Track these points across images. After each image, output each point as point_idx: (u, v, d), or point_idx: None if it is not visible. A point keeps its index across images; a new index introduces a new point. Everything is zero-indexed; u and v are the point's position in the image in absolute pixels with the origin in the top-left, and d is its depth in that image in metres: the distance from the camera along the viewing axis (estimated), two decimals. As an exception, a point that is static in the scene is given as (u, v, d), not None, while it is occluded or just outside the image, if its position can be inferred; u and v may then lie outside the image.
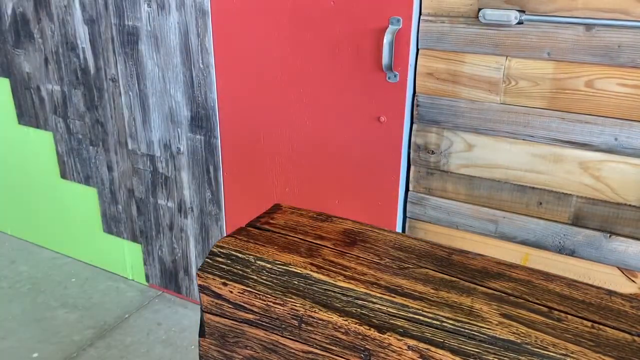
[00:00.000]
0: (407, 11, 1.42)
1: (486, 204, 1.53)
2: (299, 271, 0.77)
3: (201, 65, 1.87)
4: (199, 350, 0.87)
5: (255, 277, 0.78)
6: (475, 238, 1.57)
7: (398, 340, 0.68)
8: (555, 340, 0.65)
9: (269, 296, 0.76)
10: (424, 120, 1.53)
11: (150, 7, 1.90)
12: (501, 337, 0.66)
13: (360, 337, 0.70)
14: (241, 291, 0.77)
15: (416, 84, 1.50)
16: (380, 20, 1.45)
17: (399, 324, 0.69)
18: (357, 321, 0.70)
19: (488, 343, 0.66)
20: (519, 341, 0.65)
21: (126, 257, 2.53)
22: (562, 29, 1.31)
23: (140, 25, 1.96)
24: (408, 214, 1.66)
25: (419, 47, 1.47)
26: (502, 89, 1.42)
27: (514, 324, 0.68)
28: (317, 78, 1.60)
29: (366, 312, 0.71)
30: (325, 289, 0.75)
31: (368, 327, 0.69)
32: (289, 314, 0.75)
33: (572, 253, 1.46)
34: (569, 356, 0.63)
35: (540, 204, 1.46)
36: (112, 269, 2.60)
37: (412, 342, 0.67)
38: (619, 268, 1.42)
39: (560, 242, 1.47)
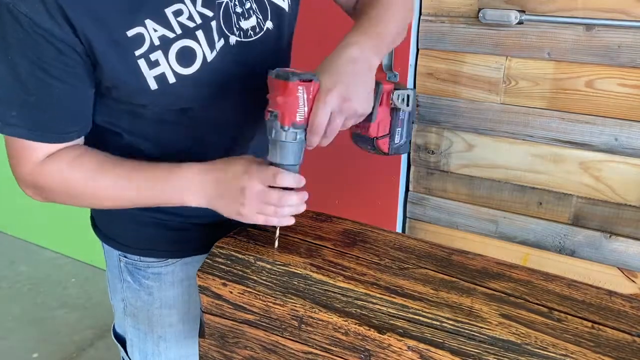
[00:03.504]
0: (407, 11, 1.42)
1: (486, 204, 1.53)
2: (298, 272, 0.77)
3: (201, 65, 1.87)
4: (199, 350, 0.87)
5: (255, 278, 0.78)
6: (475, 238, 1.57)
7: (398, 340, 0.68)
8: (555, 340, 0.65)
9: (269, 297, 0.76)
10: (424, 120, 1.52)
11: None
12: (501, 337, 0.66)
13: (360, 337, 0.70)
14: (241, 292, 0.77)
15: (416, 84, 1.50)
16: (380, 20, 1.45)
17: (398, 324, 0.69)
18: (357, 322, 0.70)
19: (488, 343, 0.66)
20: (519, 342, 0.65)
21: (126, 257, 2.53)
22: (562, 29, 1.31)
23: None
24: (408, 214, 1.66)
25: (419, 47, 1.47)
26: (502, 89, 1.42)
27: (514, 324, 0.68)
28: (317, 78, 1.60)
29: (366, 313, 0.71)
30: (325, 290, 0.75)
31: (368, 328, 0.69)
32: (288, 314, 0.75)
33: (572, 253, 1.46)
34: (568, 356, 0.63)
35: (540, 204, 1.46)
36: (112, 269, 2.60)
37: (412, 343, 0.67)
38: (619, 268, 1.42)
39: (560, 242, 1.47)
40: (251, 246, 0.82)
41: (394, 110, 0.85)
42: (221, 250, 0.82)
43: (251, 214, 0.77)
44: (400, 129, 0.87)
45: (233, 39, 0.82)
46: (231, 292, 0.78)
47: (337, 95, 0.73)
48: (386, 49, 0.83)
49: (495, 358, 0.64)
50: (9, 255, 2.76)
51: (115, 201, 0.83)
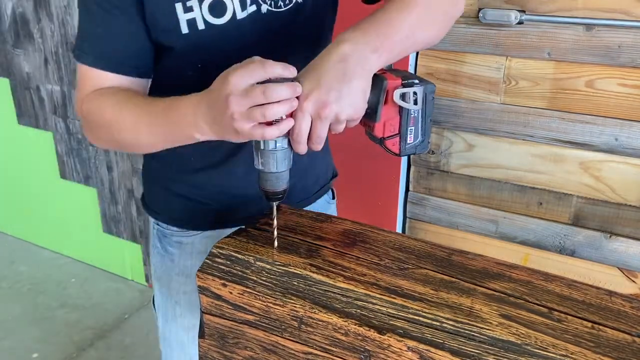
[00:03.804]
0: (407, 11, 1.42)
1: (486, 204, 1.53)
2: (298, 272, 0.77)
3: (201, 65, 1.87)
4: (199, 351, 0.87)
5: (255, 278, 0.78)
6: (475, 238, 1.57)
7: (398, 341, 0.67)
8: (555, 341, 0.65)
9: (269, 297, 0.75)
10: (424, 121, 1.53)
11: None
12: (501, 338, 0.66)
13: (360, 338, 0.70)
14: (241, 292, 0.77)
15: (416, 84, 1.50)
16: (380, 20, 1.45)
17: (398, 324, 0.69)
18: (356, 322, 0.70)
19: (488, 344, 0.66)
20: (519, 342, 0.65)
21: (126, 257, 2.53)
22: (562, 29, 1.31)
23: (140, 25, 1.96)
24: (408, 214, 1.66)
25: (419, 47, 1.47)
26: (502, 89, 1.42)
27: (514, 324, 0.68)
28: (317, 78, 1.60)
29: (366, 313, 0.71)
30: (325, 290, 0.75)
31: (368, 328, 0.69)
32: (288, 314, 0.75)
33: (572, 253, 1.46)
34: (568, 357, 0.63)
35: (541, 204, 1.46)
36: (111, 269, 2.60)
37: (412, 343, 0.67)
38: (619, 268, 1.42)
39: (560, 243, 1.47)
40: (251, 246, 0.82)
41: (403, 108, 0.77)
42: (221, 251, 0.82)
43: (245, 126, 0.69)
44: (412, 127, 0.79)
45: (265, 8, 0.87)
46: (231, 293, 0.78)
47: (314, 101, 0.70)
48: (394, 49, 0.77)
49: (495, 358, 0.64)
50: (9, 255, 2.76)
51: (137, 141, 0.85)
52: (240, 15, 0.85)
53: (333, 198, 1.17)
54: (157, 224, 1.05)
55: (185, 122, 0.76)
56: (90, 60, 0.86)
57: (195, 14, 0.83)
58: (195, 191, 0.99)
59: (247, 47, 0.84)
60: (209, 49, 0.85)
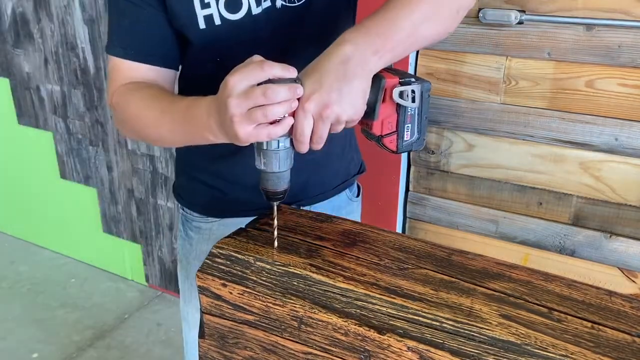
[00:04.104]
0: (407, 11, 1.42)
1: (486, 204, 1.53)
2: (298, 272, 0.77)
3: (201, 65, 1.86)
4: (199, 351, 0.87)
5: (255, 278, 0.78)
6: (475, 238, 1.57)
7: (398, 341, 0.67)
8: (555, 341, 0.65)
9: (269, 297, 0.75)
10: (424, 121, 1.52)
11: (150, 7, 1.90)
12: (501, 338, 0.66)
13: (360, 338, 0.70)
14: (241, 292, 0.77)
15: (416, 84, 1.50)
16: (380, 20, 1.45)
17: (398, 324, 0.69)
18: (356, 322, 0.70)
19: (488, 344, 0.66)
20: (518, 342, 0.65)
21: (126, 257, 2.53)
22: (562, 29, 1.31)
23: (140, 25, 1.95)
24: (408, 214, 1.66)
25: (419, 47, 1.47)
26: (502, 89, 1.42)
27: (514, 324, 0.68)
28: (317, 78, 1.60)
29: (366, 313, 0.71)
30: (325, 290, 0.75)
31: (368, 328, 0.69)
32: (288, 315, 0.74)
33: (572, 253, 1.46)
34: (568, 357, 0.63)
35: (541, 204, 1.46)
36: (111, 269, 2.60)
37: (411, 343, 0.67)
38: (619, 268, 1.42)
39: (560, 243, 1.47)
40: (251, 246, 0.82)
41: (401, 105, 0.78)
42: (221, 251, 0.82)
43: (246, 128, 0.69)
44: (409, 125, 0.80)
45: (279, 3, 0.88)
46: (231, 293, 0.78)
47: (316, 102, 0.70)
48: (396, 48, 0.77)
49: (494, 358, 0.64)
50: (9, 255, 2.76)
51: (160, 137, 0.89)
52: (256, 10, 0.87)
53: (358, 195, 1.18)
54: (182, 209, 1.10)
55: (201, 124, 0.77)
56: (119, 52, 0.90)
57: (212, 10, 0.86)
58: (214, 179, 1.03)
59: (262, 41, 0.87)
60: (226, 44, 0.88)
